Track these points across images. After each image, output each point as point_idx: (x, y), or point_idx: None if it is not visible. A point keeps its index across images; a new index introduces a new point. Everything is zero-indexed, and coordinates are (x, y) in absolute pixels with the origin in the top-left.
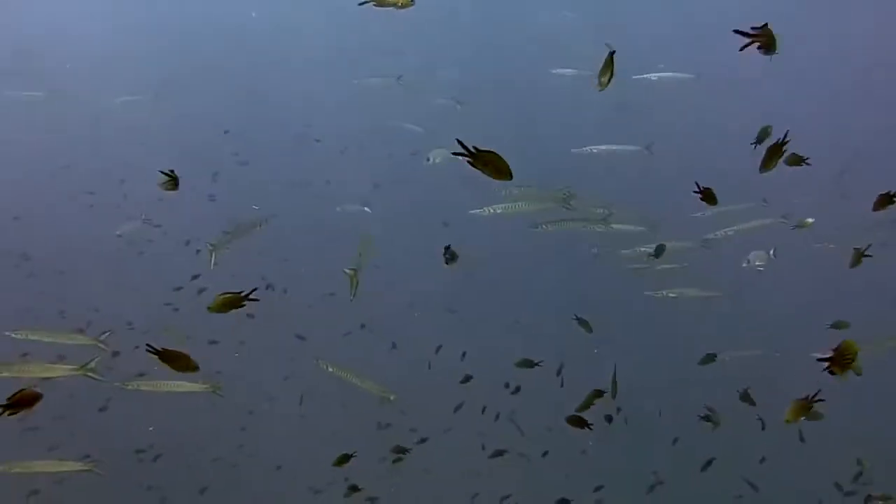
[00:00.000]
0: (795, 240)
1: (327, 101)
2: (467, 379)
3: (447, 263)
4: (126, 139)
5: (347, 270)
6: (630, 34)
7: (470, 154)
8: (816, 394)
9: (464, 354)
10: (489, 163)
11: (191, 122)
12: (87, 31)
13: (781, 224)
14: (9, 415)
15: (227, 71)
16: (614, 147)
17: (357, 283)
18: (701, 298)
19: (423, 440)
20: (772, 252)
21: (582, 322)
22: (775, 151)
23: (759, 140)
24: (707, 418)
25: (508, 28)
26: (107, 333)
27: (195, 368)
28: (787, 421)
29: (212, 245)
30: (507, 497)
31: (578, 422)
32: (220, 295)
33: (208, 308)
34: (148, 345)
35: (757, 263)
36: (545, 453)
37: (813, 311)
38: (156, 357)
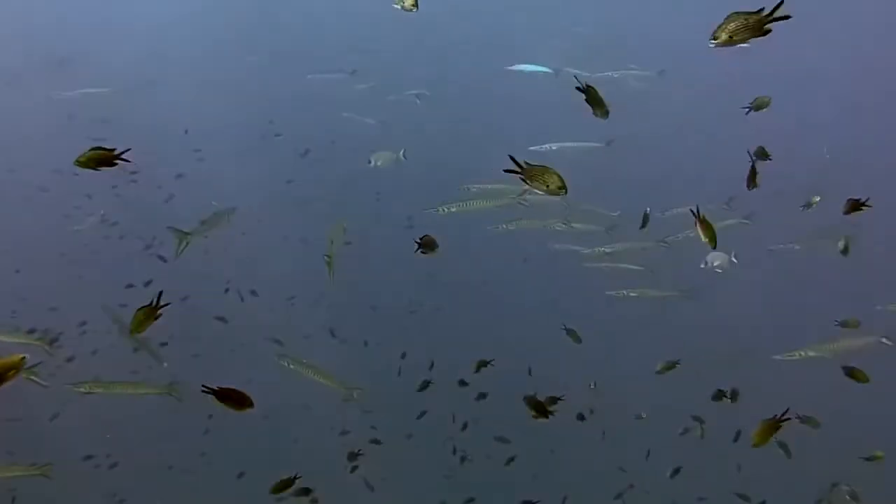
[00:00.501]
0: (759, 242)
1: (290, 98)
2: (425, 385)
3: (424, 252)
4: (86, 133)
5: (325, 256)
6: (600, 32)
7: (521, 169)
8: (785, 412)
9: (432, 364)
10: (537, 177)
11: (152, 117)
12: (49, 23)
13: (743, 225)
14: None
15: (192, 65)
16: (573, 144)
17: (332, 267)
18: (661, 298)
19: (376, 441)
20: (732, 256)
21: (570, 332)
22: (754, 175)
23: (757, 108)
24: (698, 420)
25: (477, 26)
26: (55, 342)
27: (252, 405)
28: (755, 444)
29: (183, 233)
30: (472, 500)
31: (537, 406)
32: (138, 311)
33: (130, 332)
34: (204, 385)
35: (715, 264)
36: (512, 459)
37: (781, 312)
38: (212, 396)
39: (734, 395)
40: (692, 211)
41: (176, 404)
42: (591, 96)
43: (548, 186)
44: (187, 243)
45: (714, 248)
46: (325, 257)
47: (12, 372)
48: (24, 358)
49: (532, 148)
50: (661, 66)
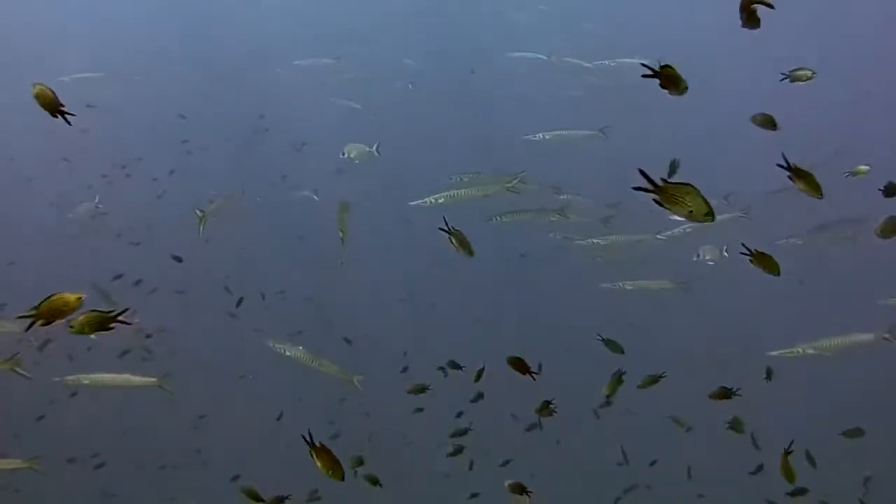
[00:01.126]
0: (757, 235)
1: (281, 90)
2: (422, 389)
3: (460, 249)
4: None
5: (340, 234)
6: (601, 26)
7: (655, 187)
8: (790, 444)
9: (442, 370)
10: (677, 199)
11: (145, 108)
12: (38, 11)
13: (742, 219)
14: (42, 324)
15: (185, 52)
16: (566, 132)
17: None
18: (657, 290)
19: (371, 436)
20: (724, 250)
21: (609, 343)
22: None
23: (794, 79)
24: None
25: (476, 16)
26: (47, 343)
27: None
28: (791, 481)
29: (201, 212)
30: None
31: (520, 366)
32: (88, 313)
33: (70, 328)
34: (307, 437)
35: (707, 258)
36: (507, 461)
37: (779, 307)
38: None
39: (769, 375)
40: (746, 248)
41: (168, 402)
42: (668, 76)
43: (691, 212)
44: (204, 222)
45: (777, 275)
46: (339, 233)
47: (69, 309)
48: (81, 298)
49: (526, 137)
50: (663, 59)
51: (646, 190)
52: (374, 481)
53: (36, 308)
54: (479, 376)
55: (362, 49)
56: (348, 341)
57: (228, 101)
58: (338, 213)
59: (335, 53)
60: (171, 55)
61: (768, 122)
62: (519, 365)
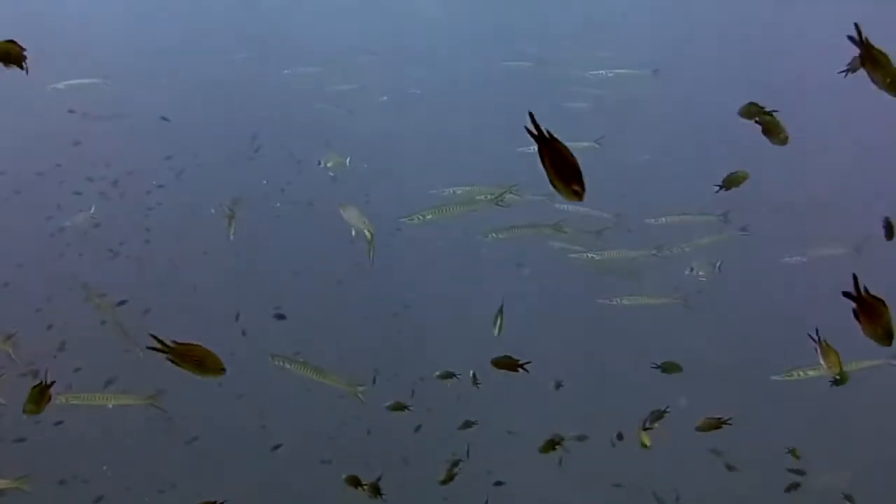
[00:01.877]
0: (760, 253)
1: (276, 101)
2: (400, 407)
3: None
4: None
5: (367, 234)
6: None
7: (857, 297)
8: None
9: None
10: (874, 315)
11: (141, 117)
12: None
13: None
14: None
15: (183, 59)
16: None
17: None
18: (656, 306)
19: (379, 478)
20: (717, 266)
21: (664, 366)
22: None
23: (853, 70)
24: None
25: (472, 22)
26: (13, 335)
27: None
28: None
29: (230, 211)
30: None
31: (508, 364)
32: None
33: (24, 412)
34: None
35: (700, 273)
36: (500, 482)
37: (782, 326)
38: None
39: (838, 382)
40: (811, 336)
41: (161, 424)
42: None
43: (879, 332)
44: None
45: (837, 374)
46: (367, 234)
47: (198, 366)
48: (223, 370)
49: (520, 149)
50: (662, 69)
51: (851, 297)
52: (376, 491)
53: (175, 343)
54: (474, 381)
55: (360, 56)
56: (376, 373)
57: (224, 109)
58: (353, 215)
59: (328, 60)
60: (168, 60)
61: (759, 111)
62: (507, 364)
